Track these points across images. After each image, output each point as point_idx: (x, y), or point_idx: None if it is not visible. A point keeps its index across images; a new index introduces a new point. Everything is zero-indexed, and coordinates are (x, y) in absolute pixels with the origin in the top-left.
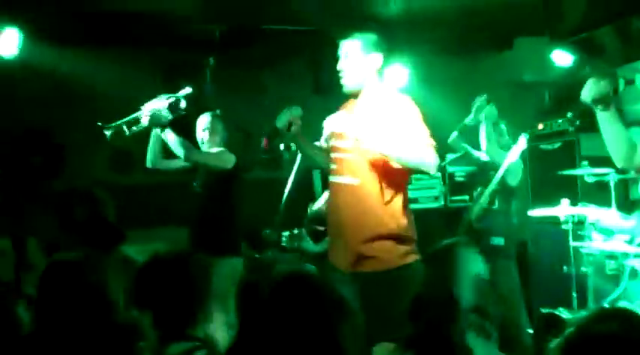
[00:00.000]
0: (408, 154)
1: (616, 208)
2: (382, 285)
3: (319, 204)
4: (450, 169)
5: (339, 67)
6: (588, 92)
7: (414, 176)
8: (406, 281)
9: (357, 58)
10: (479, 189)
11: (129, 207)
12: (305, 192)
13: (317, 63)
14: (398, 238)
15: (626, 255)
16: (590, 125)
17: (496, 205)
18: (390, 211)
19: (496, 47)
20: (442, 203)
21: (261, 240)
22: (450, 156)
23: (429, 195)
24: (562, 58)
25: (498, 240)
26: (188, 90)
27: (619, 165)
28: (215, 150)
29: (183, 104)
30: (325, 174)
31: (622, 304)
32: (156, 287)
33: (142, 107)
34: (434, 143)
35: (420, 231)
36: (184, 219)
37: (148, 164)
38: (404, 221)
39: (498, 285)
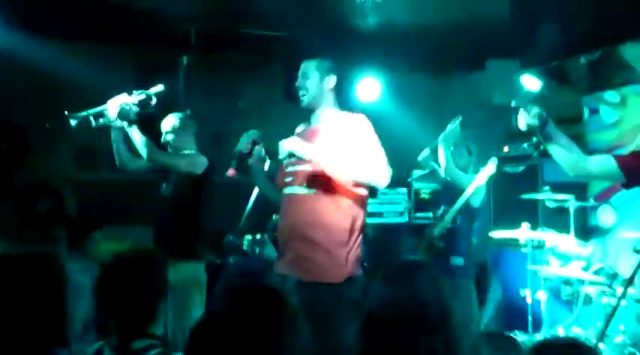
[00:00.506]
0: (355, 172)
1: (574, 235)
2: (325, 298)
3: None
4: (415, 186)
5: (296, 84)
6: (521, 122)
7: (380, 190)
8: (349, 296)
9: (314, 78)
10: (442, 208)
11: (93, 204)
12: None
13: (289, 70)
14: (345, 250)
15: (581, 282)
16: None
17: (458, 224)
18: (343, 222)
19: (468, 68)
20: (407, 219)
21: (222, 245)
22: (416, 173)
23: (394, 210)
24: (531, 82)
25: (458, 260)
26: (160, 87)
27: (570, 174)
28: (186, 152)
29: (153, 101)
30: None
31: (575, 330)
32: (118, 287)
33: (110, 100)
34: (383, 157)
35: (383, 245)
36: (149, 218)
37: (118, 164)
38: (355, 234)
39: (456, 305)
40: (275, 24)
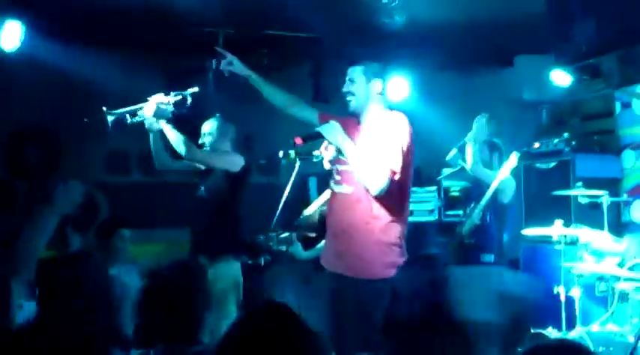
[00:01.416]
0: (361, 167)
1: (608, 230)
2: (361, 294)
3: (310, 209)
4: (445, 184)
5: (344, 89)
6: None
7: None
8: (385, 294)
9: (360, 83)
10: (472, 205)
11: (125, 207)
12: (300, 197)
13: (318, 70)
14: (384, 249)
15: (616, 278)
16: (586, 146)
17: (488, 221)
18: (380, 222)
19: (497, 64)
20: (437, 217)
21: (254, 246)
22: (446, 171)
23: (425, 209)
24: (561, 78)
25: (489, 257)
26: (195, 89)
27: None
28: (224, 150)
29: (188, 102)
30: (321, 180)
31: (610, 327)
32: (160, 304)
33: (148, 98)
34: (393, 168)
35: (414, 243)
36: (183, 220)
37: (157, 166)
38: (393, 233)
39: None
40: (301, 25)
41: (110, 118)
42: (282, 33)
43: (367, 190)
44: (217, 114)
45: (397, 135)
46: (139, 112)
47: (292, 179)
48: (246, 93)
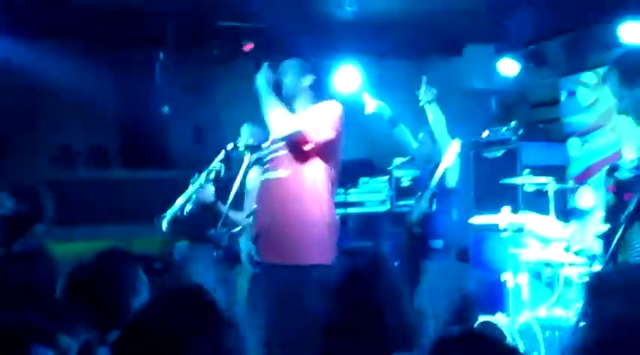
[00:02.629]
0: (285, 125)
1: (555, 217)
2: (293, 279)
3: None
4: (396, 174)
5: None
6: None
7: (361, 180)
8: (317, 280)
9: (291, 76)
10: (419, 193)
11: (73, 204)
12: None
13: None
14: (324, 230)
15: (561, 264)
16: (532, 135)
17: (435, 208)
18: (316, 203)
19: (446, 53)
20: (389, 207)
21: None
22: (396, 161)
23: (376, 199)
24: (509, 67)
25: (437, 243)
26: (221, 155)
27: None
28: None
29: (222, 171)
30: None
31: (557, 311)
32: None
33: (187, 191)
34: (308, 132)
35: (366, 234)
36: (127, 215)
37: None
38: (330, 214)
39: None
40: (251, 16)
41: (164, 223)
42: (230, 24)
43: (305, 174)
44: (165, 107)
45: (321, 110)
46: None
47: (242, 172)
48: (196, 85)
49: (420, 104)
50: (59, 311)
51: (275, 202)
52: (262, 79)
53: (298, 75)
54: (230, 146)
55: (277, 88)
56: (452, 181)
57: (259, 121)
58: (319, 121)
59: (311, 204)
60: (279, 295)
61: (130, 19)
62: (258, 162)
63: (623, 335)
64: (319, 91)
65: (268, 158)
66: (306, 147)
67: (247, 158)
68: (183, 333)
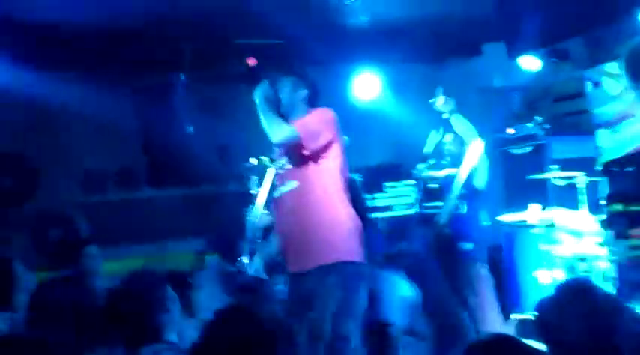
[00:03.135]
0: (280, 132)
1: (588, 210)
2: (315, 281)
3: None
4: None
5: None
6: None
7: (387, 184)
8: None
9: (286, 91)
10: (448, 195)
11: (103, 225)
12: None
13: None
14: (345, 232)
15: (596, 257)
16: (559, 128)
17: (464, 210)
18: (330, 208)
19: (465, 54)
20: (417, 209)
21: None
22: (420, 166)
23: (404, 203)
24: (530, 63)
25: (467, 245)
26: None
27: None
28: None
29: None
30: None
31: None
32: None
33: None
34: (302, 139)
35: (396, 237)
36: (158, 234)
37: None
38: (344, 218)
39: (472, 291)
40: (268, 32)
41: None
42: (247, 41)
43: (313, 181)
44: (190, 128)
45: (313, 117)
46: None
47: (269, 185)
48: (218, 106)
49: (444, 116)
50: (96, 330)
51: (290, 214)
52: (260, 93)
53: (293, 90)
54: (255, 161)
55: (275, 103)
56: (481, 182)
57: None
58: (312, 127)
59: (326, 209)
60: (311, 297)
61: (149, 42)
62: None
63: None
64: (313, 103)
65: (277, 175)
66: (305, 153)
67: (271, 171)
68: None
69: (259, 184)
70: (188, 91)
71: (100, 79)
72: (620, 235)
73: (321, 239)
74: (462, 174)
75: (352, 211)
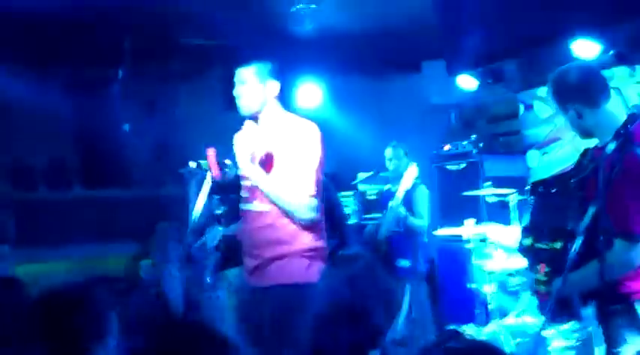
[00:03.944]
0: (284, 200)
1: (518, 226)
2: (288, 299)
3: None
4: (361, 188)
5: (235, 92)
6: None
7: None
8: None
9: (252, 84)
10: (384, 212)
11: (32, 224)
12: None
13: (227, 79)
14: (305, 255)
15: (525, 273)
16: (492, 147)
17: (401, 228)
18: (303, 234)
19: (406, 69)
20: (355, 221)
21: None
22: (360, 176)
23: None
24: (467, 82)
25: (404, 262)
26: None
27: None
28: None
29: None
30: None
31: (526, 318)
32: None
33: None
34: (314, 191)
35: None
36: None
37: None
38: (313, 238)
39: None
40: (211, 32)
41: None
42: (190, 40)
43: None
44: (126, 126)
45: (312, 152)
46: None
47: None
48: (157, 103)
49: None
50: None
51: (259, 233)
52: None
53: (261, 82)
54: (193, 164)
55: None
56: (422, 207)
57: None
58: (317, 171)
59: (297, 233)
60: (270, 315)
61: (89, 34)
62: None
63: None
64: (285, 100)
65: (245, 185)
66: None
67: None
68: None
69: (197, 190)
70: (127, 88)
71: (38, 71)
72: (531, 267)
73: (289, 261)
74: (397, 195)
75: (323, 232)
